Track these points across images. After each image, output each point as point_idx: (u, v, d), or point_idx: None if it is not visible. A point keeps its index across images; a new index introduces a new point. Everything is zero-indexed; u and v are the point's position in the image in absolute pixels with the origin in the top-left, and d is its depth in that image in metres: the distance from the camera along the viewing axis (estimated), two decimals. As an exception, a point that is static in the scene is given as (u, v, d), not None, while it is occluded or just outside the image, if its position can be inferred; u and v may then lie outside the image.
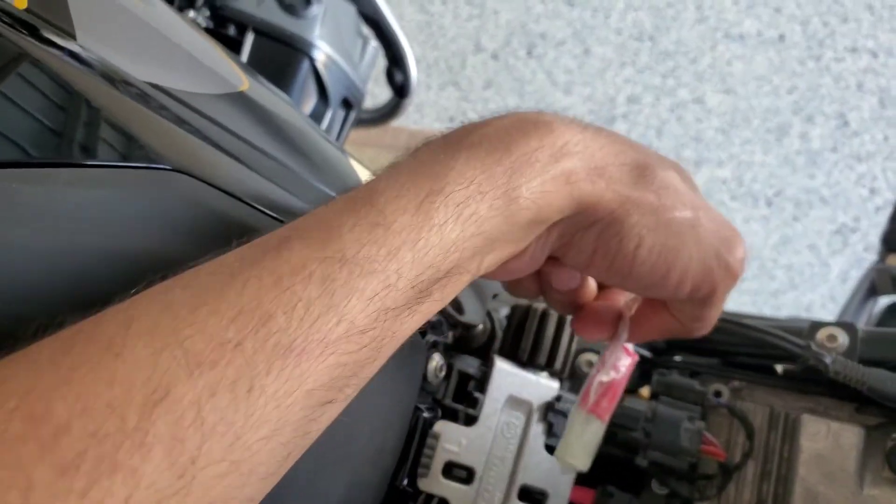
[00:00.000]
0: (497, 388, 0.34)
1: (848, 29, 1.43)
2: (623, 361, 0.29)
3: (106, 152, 0.22)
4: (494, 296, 0.42)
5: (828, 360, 0.35)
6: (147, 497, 0.14)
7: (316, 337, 0.17)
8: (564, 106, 1.56)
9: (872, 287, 0.60)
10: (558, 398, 0.35)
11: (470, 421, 0.34)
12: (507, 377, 0.34)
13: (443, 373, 0.33)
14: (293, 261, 0.18)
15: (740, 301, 1.33)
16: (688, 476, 0.37)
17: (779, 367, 0.39)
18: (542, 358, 0.36)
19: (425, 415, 0.32)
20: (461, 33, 1.67)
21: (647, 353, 0.44)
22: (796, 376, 0.39)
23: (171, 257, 0.21)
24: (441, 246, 0.20)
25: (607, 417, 0.29)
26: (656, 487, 0.38)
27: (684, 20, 1.54)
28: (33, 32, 0.22)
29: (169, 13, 0.31)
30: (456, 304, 0.35)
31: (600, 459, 0.31)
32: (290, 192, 0.26)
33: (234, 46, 0.67)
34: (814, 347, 0.36)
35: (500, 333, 0.38)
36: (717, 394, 0.40)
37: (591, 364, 0.40)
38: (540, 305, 0.38)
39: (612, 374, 0.29)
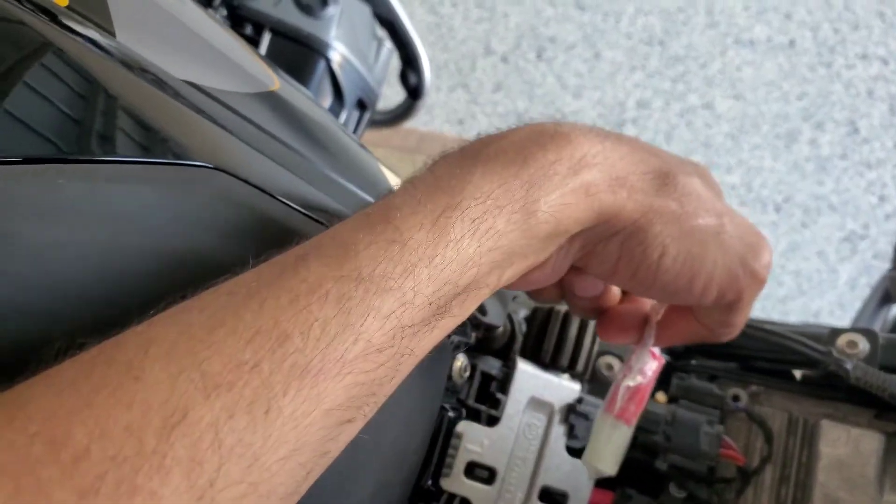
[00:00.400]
0: (519, 390, 0.34)
1: (859, 36, 1.43)
2: (650, 366, 0.29)
3: (144, 149, 0.22)
4: (514, 297, 0.42)
5: (849, 366, 0.35)
6: None
7: (333, 356, 0.17)
8: (574, 110, 1.56)
9: (887, 294, 0.60)
10: (580, 400, 0.35)
11: (492, 422, 0.34)
12: (529, 379, 0.35)
13: (467, 373, 0.33)
14: (310, 280, 0.18)
15: (748, 307, 1.33)
16: (706, 480, 0.37)
17: (797, 373, 0.39)
18: (565, 360, 0.36)
19: (450, 415, 0.32)
20: (471, 36, 1.67)
21: (665, 357, 0.44)
22: (815, 382, 0.39)
23: (209, 254, 0.21)
24: (458, 262, 0.20)
25: (634, 422, 0.29)
26: (675, 491, 0.38)
27: (695, 25, 1.54)
28: (70, 27, 0.23)
29: (200, 12, 0.32)
30: (479, 306, 0.35)
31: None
32: (322, 191, 0.26)
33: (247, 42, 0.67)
34: (834, 353, 0.36)
35: (519, 335, 0.38)
36: (736, 398, 0.40)
37: (610, 367, 0.40)
38: (562, 308, 0.38)
39: (639, 379, 0.29)
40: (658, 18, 1.56)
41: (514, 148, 0.22)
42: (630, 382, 0.29)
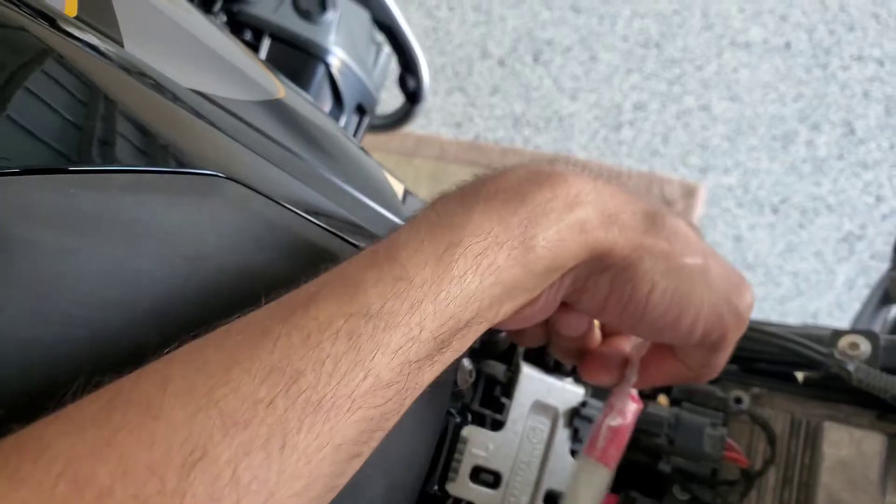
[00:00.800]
0: (523, 394, 0.34)
1: (854, 37, 1.44)
2: (630, 407, 0.30)
3: (154, 158, 0.22)
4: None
5: (851, 367, 0.35)
6: None
7: (344, 392, 0.18)
8: (570, 112, 1.57)
9: (886, 295, 0.61)
10: (584, 404, 0.36)
11: (497, 426, 0.34)
12: (533, 383, 0.35)
13: (472, 377, 0.33)
14: (321, 317, 0.18)
15: (746, 307, 1.33)
16: (710, 482, 0.37)
17: (799, 375, 0.39)
18: (569, 364, 0.36)
19: (456, 419, 0.32)
20: (468, 39, 1.68)
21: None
22: (817, 384, 0.39)
23: (221, 263, 0.21)
24: (462, 297, 0.20)
25: (614, 465, 0.29)
26: (678, 493, 0.38)
27: (690, 27, 1.55)
28: (79, 38, 0.23)
29: (205, 21, 0.32)
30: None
31: (624, 465, 0.31)
32: (329, 199, 0.26)
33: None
34: (836, 355, 0.36)
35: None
36: (738, 400, 0.40)
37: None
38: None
39: (619, 420, 0.29)
40: (654, 21, 1.57)
41: (512, 187, 0.23)
42: (612, 422, 0.29)
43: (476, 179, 0.24)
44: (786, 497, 0.37)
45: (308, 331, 0.18)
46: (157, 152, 0.22)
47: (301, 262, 0.22)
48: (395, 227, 0.23)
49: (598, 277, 0.24)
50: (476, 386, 0.34)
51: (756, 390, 0.41)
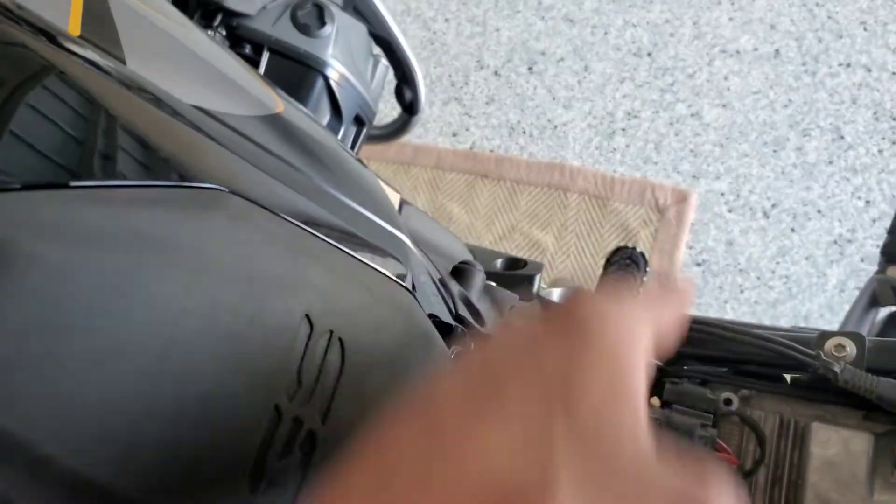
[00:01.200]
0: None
1: (842, 45, 1.47)
2: None
3: (156, 173, 0.23)
4: (511, 307, 0.43)
5: (837, 369, 0.36)
6: None
7: None
8: (565, 121, 1.59)
9: (874, 298, 0.62)
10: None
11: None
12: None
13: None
14: None
15: (740, 311, 1.35)
16: (702, 483, 0.38)
17: (787, 376, 0.40)
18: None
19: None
20: (464, 50, 1.70)
21: (657, 363, 0.45)
22: (805, 385, 0.40)
23: (224, 275, 0.22)
24: None
25: None
26: (671, 494, 0.39)
27: (681, 36, 1.57)
28: (82, 55, 0.24)
29: (205, 37, 0.33)
30: (477, 315, 0.36)
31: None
32: (329, 211, 0.27)
33: (250, 65, 0.68)
34: (823, 357, 0.37)
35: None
36: (728, 402, 0.41)
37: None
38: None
39: None
40: (645, 31, 1.59)
41: None
42: None
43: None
44: (776, 496, 0.38)
45: None
46: (159, 167, 0.23)
47: (302, 273, 0.23)
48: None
49: None
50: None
51: (745, 392, 0.41)
